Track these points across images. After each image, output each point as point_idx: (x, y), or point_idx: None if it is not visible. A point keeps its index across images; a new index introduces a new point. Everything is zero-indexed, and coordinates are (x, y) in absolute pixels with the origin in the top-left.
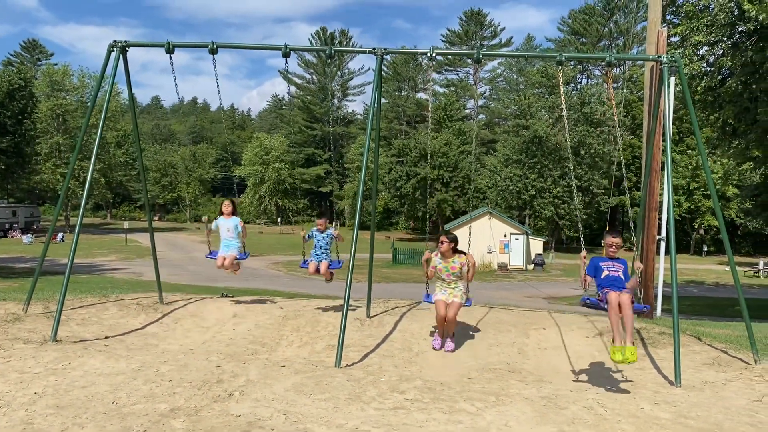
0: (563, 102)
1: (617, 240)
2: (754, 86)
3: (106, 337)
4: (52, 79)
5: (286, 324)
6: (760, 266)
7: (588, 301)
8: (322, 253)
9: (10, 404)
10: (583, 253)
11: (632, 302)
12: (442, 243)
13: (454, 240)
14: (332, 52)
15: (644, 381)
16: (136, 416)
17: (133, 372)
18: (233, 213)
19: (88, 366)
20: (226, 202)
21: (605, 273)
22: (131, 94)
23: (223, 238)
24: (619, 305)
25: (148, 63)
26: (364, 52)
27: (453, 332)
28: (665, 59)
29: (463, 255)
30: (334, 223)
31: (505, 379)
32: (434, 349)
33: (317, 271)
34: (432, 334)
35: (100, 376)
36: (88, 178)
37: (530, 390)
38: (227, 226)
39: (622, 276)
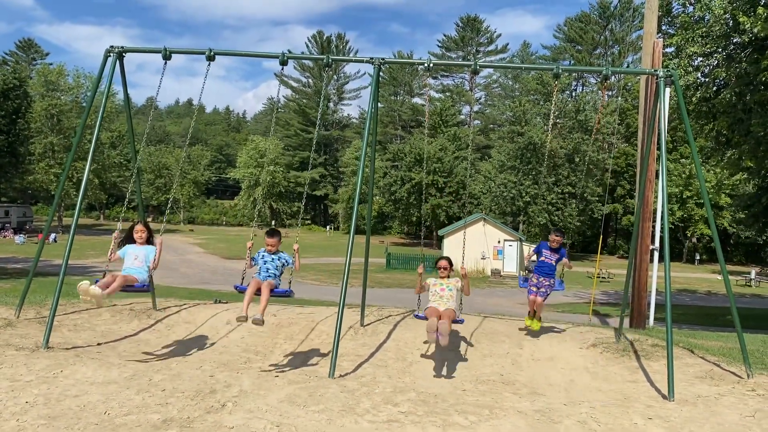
0: (552, 114)
1: (558, 238)
2: (748, 98)
3: (99, 344)
4: (47, 79)
5: (279, 332)
6: (752, 275)
7: (523, 286)
8: (268, 276)
9: (0, 413)
10: (528, 260)
11: (544, 299)
12: (441, 269)
13: (451, 263)
14: (330, 61)
15: (637, 394)
16: (128, 427)
17: (125, 381)
18: (148, 241)
19: (80, 374)
20: (139, 227)
21: (542, 258)
22: (128, 100)
23: (127, 266)
24: (535, 302)
25: (144, 63)
26: (361, 61)
27: (447, 335)
28: (662, 73)
29: (455, 277)
30: (327, 231)
31: (498, 392)
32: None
33: (257, 292)
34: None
35: (93, 385)
36: (84, 180)
37: (524, 403)
38: (136, 253)
39: (553, 263)
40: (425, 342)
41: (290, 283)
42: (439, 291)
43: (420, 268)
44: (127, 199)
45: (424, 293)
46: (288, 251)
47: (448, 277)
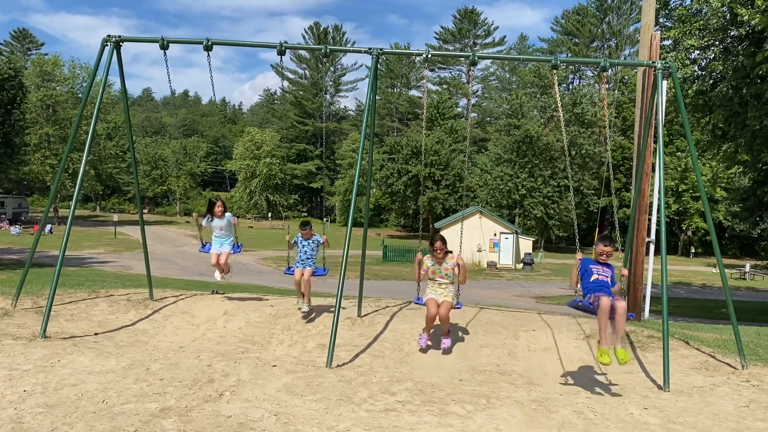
0: (559, 104)
1: (608, 249)
2: (744, 91)
3: (96, 334)
4: (42, 70)
5: (277, 322)
6: (747, 269)
7: (580, 303)
8: (307, 259)
9: None
10: (579, 255)
11: (624, 305)
12: (437, 250)
13: (445, 241)
14: (328, 51)
15: (633, 385)
16: (126, 416)
17: (123, 370)
18: (225, 211)
19: (77, 363)
20: (219, 204)
21: (594, 276)
22: (125, 90)
23: (215, 236)
24: (613, 310)
25: (140, 54)
26: (359, 51)
27: (448, 330)
28: (659, 65)
29: (452, 255)
30: (324, 224)
31: (495, 382)
32: (420, 348)
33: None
34: (420, 335)
35: (90, 374)
36: (81, 171)
37: (520, 393)
38: (220, 225)
39: (609, 281)
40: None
41: (324, 262)
42: (438, 280)
43: (419, 255)
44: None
45: (423, 284)
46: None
47: (446, 253)
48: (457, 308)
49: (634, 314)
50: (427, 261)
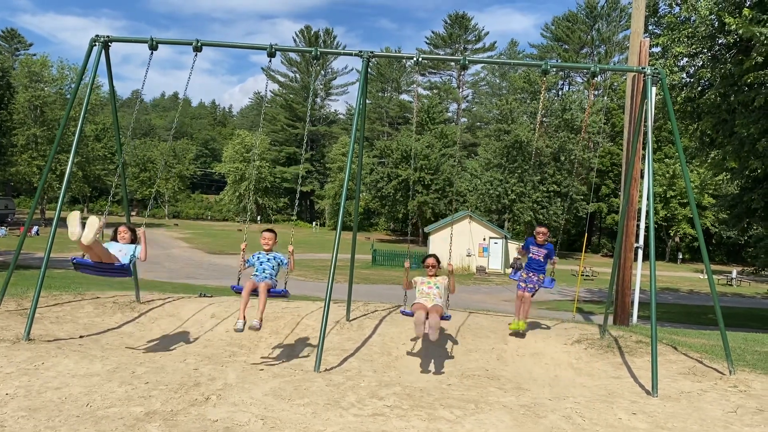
0: (540, 112)
1: (542, 229)
2: (732, 98)
3: (81, 337)
4: (30, 70)
5: (265, 326)
6: (734, 275)
7: (514, 278)
8: (265, 277)
9: None
10: (517, 255)
11: (532, 295)
12: (429, 267)
13: (438, 260)
14: (318, 53)
15: (621, 390)
16: (110, 420)
17: (108, 373)
18: (132, 241)
19: (61, 366)
20: (122, 228)
21: (530, 254)
22: (113, 91)
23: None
24: (524, 299)
25: (130, 56)
26: (350, 54)
27: (437, 329)
28: (649, 71)
29: (443, 277)
30: (313, 227)
31: (484, 386)
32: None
33: (254, 292)
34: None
35: (74, 378)
36: (67, 172)
37: (509, 398)
38: (120, 247)
39: (541, 258)
40: (413, 339)
41: (285, 283)
42: (426, 290)
43: (406, 262)
44: (111, 193)
45: (411, 290)
46: (282, 250)
47: (435, 275)
48: (446, 319)
49: (552, 284)
50: (417, 278)
